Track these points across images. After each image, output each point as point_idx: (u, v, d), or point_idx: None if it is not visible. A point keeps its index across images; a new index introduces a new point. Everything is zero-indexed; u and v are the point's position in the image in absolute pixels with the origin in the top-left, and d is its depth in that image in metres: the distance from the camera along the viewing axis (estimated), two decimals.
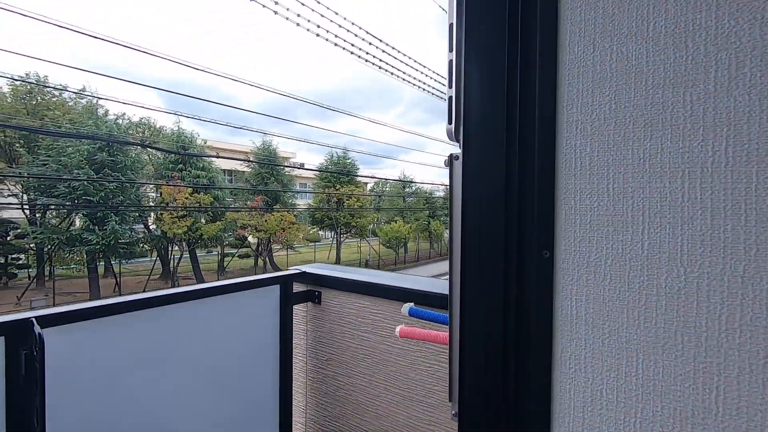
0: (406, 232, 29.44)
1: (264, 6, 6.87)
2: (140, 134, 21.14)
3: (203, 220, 19.11)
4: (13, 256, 19.14)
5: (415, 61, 10.94)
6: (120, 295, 15.22)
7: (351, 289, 1.60)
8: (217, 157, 16.04)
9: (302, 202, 28.64)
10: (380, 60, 10.12)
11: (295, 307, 1.68)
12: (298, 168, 24.85)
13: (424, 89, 12.29)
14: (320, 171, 26.58)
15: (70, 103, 17.77)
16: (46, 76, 17.26)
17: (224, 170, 26.64)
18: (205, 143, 22.18)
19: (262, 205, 21.10)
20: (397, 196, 34.85)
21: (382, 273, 1.74)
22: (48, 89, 17.22)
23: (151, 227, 20.63)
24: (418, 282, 1.54)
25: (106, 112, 17.47)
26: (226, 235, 20.61)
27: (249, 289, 1.49)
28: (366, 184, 34.52)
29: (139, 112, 27.18)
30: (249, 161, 17.29)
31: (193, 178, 18.12)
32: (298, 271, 1.71)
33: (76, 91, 17.43)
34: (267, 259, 23.45)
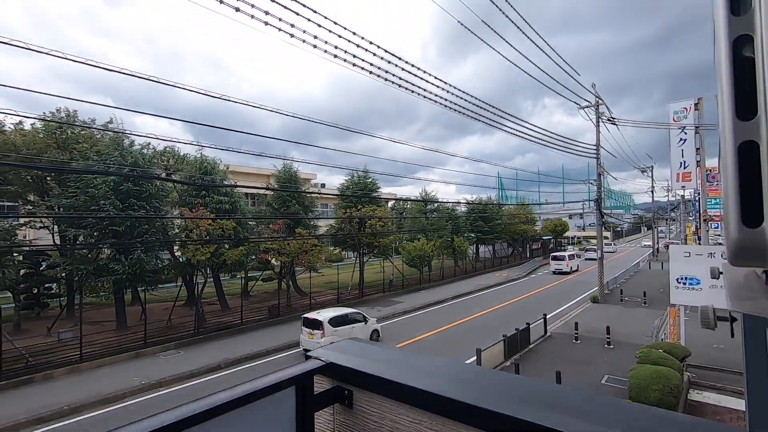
0: (429, 249, 28.81)
1: (279, 29, 6.69)
2: (165, 162, 21.51)
3: (226, 246, 19.07)
4: (45, 285, 19.55)
5: (435, 77, 10.61)
6: (145, 324, 15.14)
7: (398, 397, 1.13)
8: (235, 186, 16.00)
9: (324, 223, 28.48)
10: (399, 78, 9.83)
11: (317, 412, 1.25)
12: (317, 194, 24.73)
13: (443, 105, 11.90)
14: (341, 196, 26.44)
15: (97, 136, 18.23)
16: (75, 111, 17.82)
17: (247, 194, 26.85)
18: (228, 168, 22.37)
19: (284, 229, 20.98)
20: (420, 214, 34.33)
21: (450, 367, 1.19)
22: (77, 121, 17.72)
23: (176, 254, 20.76)
24: (542, 394, 0.92)
25: (132, 143, 17.82)
26: (249, 259, 20.52)
27: (254, 401, 1.07)
28: (387, 201, 34.19)
29: (165, 141, 27.79)
30: (267, 189, 17.20)
31: (215, 204, 18.16)
32: (320, 364, 1.27)
33: (100, 128, 17.91)
34: (290, 282, 23.22)
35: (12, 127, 17.14)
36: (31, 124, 17.44)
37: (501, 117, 14.02)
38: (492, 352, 12.11)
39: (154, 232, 16.32)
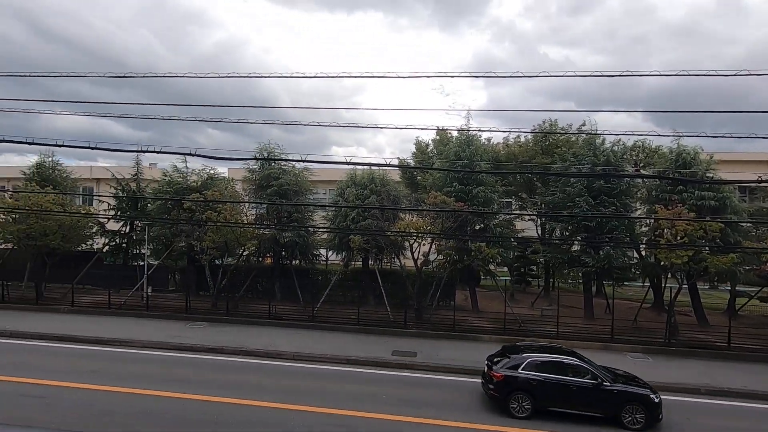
0: None
1: None
2: (634, 157, 20.85)
3: (707, 249, 16.04)
4: (529, 267, 24.12)
5: None
6: (612, 318, 15.34)
7: None
8: (714, 182, 12.93)
9: None
10: None
11: None
12: None
13: None
14: None
15: (573, 139, 20.23)
16: (556, 120, 20.59)
17: (740, 187, 21.35)
18: (711, 158, 18.65)
19: None
20: None
21: None
22: (556, 129, 20.45)
23: (643, 253, 19.71)
24: None
25: (603, 141, 18.42)
26: (741, 270, 16.30)
27: None
28: None
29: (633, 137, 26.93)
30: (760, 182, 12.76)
31: (696, 201, 15.64)
32: None
33: (575, 131, 19.63)
34: None
35: (513, 141, 22.14)
36: (524, 137, 21.84)
37: None
38: None
39: (623, 229, 16.17)
